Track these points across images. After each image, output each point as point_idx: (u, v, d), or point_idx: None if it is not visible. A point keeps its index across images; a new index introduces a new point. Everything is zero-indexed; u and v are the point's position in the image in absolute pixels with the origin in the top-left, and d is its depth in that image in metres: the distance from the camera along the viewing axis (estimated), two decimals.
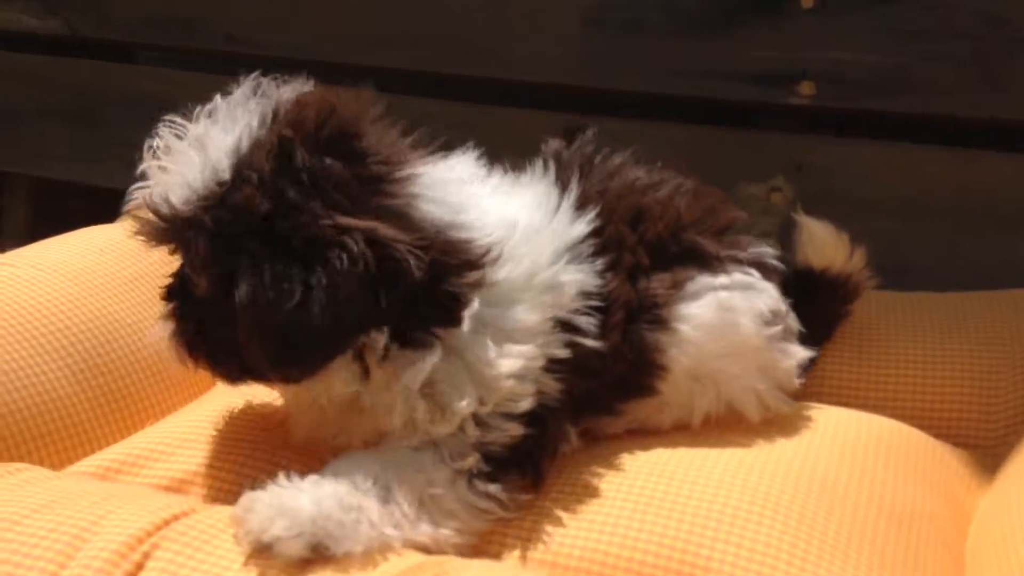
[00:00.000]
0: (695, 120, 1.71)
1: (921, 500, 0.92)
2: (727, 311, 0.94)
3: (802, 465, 0.91)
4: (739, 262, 0.98)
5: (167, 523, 0.75)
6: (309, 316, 0.76)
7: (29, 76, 2.10)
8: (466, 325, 0.82)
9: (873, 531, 0.85)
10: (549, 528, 0.84)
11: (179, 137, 0.85)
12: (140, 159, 0.87)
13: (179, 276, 0.89)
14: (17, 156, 2.14)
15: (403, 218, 0.80)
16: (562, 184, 0.95)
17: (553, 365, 0.86)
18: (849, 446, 0.96)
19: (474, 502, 0.82)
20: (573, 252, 0.91)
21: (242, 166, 0.79)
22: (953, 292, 1.32)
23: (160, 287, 0.92)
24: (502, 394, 0.83)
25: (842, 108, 1.62)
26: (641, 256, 0.94)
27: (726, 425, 0.96)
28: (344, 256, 0.76)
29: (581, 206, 0.93)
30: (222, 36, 1.96)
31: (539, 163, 0.98)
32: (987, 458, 1.10)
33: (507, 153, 1.75)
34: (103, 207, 2.28)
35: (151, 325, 1.13)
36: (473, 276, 0.82)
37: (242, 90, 0.85)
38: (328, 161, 0.79)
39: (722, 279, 0.95)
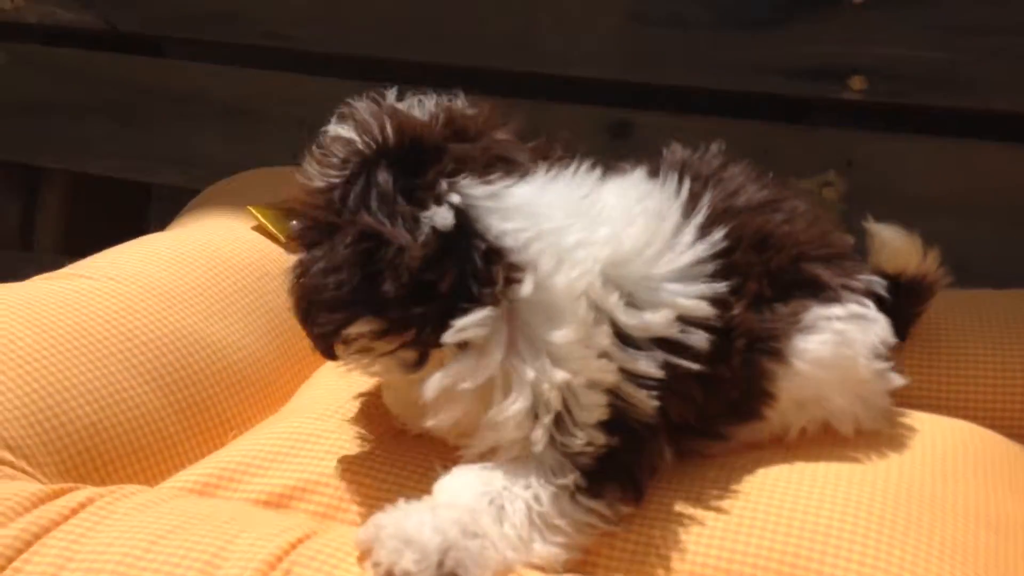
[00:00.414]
0: (745, 116, 1.71)
1: (1013, 508, 0.94)
2: (844, 346, 0.95)
3: (899, 476, 0.92)
4: (853, 291, 0.98)
5: (294, 547, 0.76)
6: (316, 285, 0.88)
7: (65, 70, 2.09)
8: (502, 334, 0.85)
9: (975, 543, 0.86)
10: (653, 544, 0.85)
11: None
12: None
13: None
14: (53, 150, 2.13)
15: (416, 224, 0.85)
16: (692, 199, 0.94)
17: (644, 381, 0.86)
18: (939, 454, 0.97)
19: (579, 517, 0.83)
20: (690, 273, 0.90)
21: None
22: (1013, 289, 1.33)
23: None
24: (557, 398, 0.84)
25: (893, 103, 1.62)
26: (765, 286, 0.94)
27: (818, 438, 0.97)
28: (343, 243, 0.86)
29: (709, 225, 0.92)
30: (260, 31, 1.95)
31: (666, 172, 0.97)
32: None
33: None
34: (140, 202, 2.31)
35: (225, 335, 1.16)
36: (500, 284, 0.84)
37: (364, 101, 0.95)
38: (379, 172, 0.87)
39: (838, 310, 0.95)
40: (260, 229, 1.39)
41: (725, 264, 0.91)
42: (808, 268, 0.97)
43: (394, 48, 1.88)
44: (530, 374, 0.84)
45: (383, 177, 0.87)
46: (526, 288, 0.85)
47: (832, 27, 1.62)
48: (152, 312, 1.12)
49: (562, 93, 1.81)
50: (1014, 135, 1.57)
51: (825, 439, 0.97)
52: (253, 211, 1.39)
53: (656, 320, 0.87)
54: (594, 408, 0.85)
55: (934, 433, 1.01)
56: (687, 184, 0.96)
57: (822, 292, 0.96)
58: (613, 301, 0.86)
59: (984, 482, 0.95)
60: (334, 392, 1.09)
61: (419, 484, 0.92)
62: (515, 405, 0.85)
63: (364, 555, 0.76)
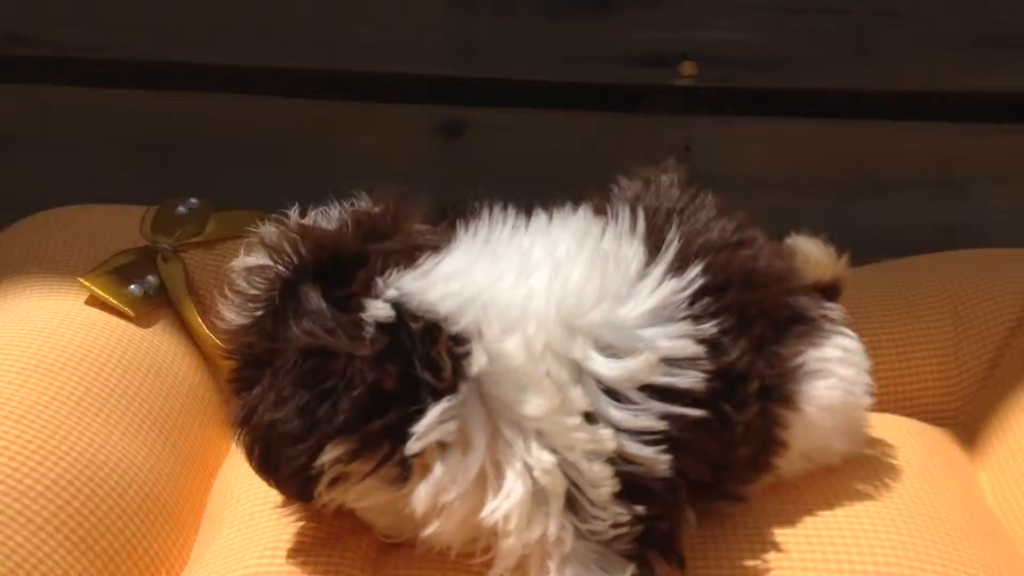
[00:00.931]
0: (580, 107, 1.67)
1: (984, 510, 0.99)
2: (849, 391, 0.93)
3: (915, 499, 0.93)
4: (834, 322, 0.96)
5: None
6: (269, 422, 0.80)
7: None
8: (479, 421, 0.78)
9: (996, 557, 0.90)
10: None
11: None
12: None
13: None
14: None
15: (357, 329, 0.78)
16: (655, 234, 0.89)
17: (647, 437, 0.79)
18: (928, 467, 1.00)
19: None
20: (665, 313, 0.83)
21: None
22: (872, 264, 1.41)
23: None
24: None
25: (724, 87, 1.64)
26: (766, 327, 0.90)
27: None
28: (284, 368, 0.79)
29: (682, 261, 0.87)
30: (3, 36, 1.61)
31: (616, 207, 0.91)
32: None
33: (388, 154, 1.64)
34: None
35: (118, 452, 0.95)
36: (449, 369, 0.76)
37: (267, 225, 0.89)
38: (305, 290, 0.81)
39: (832, 351, 0.93)
40: (95, 302, 1.16)
41: (715, 303, 0.87)
42: (795, 304, 0.95)
43: (181, 50, 1.63)
44: (518, 462, 0.77)
45: (310, 295, 0.80)
46: (479, 360, 0.76)
47: (660, 12, 1.60)
48: (30, 442, 0.89)
49: (384, 93, 1.67)
50: (838, 111, 1.65)
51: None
52: (86, 283, 1.15)
53: (638, 366, 0.79)
54: (603, 482, 0.77)
55: (903, 440, 1.04)
56: (642, 219, 0.90)
57: (813, 330, 0.94)
58: (584, 352, 0.79)
59: (964, 487, 0.99)
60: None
61: None
62: (509, 500, 0.76)
63: None
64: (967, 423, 1.21)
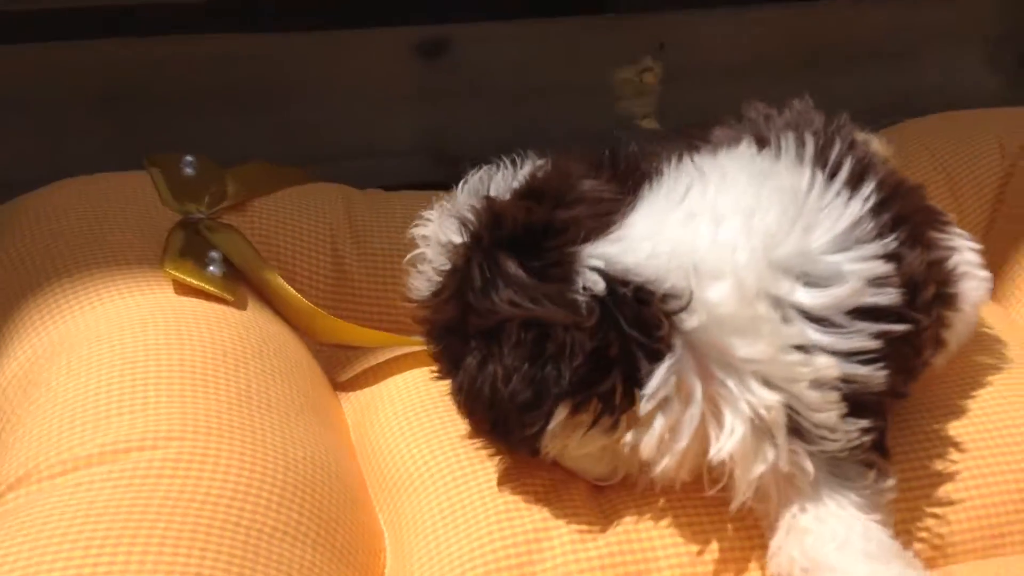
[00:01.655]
0: (554, 13, 1.66)
1: None
2: (988, 289, 1.03)
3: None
4: (953, 223, 1.03)
5: None
6: (501, 397, 0.82)
7: None
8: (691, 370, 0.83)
9: None
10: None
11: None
12: None
13: None
14: None
15: (566, 294, 0.82)
16: (821, 156, 0.92)
17: (864, 356, 0.85)
18: (1005, 326, 1.14)
19: (882, 502, 0.86)
20: (854, 235, 0.88)
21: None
22: None
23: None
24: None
25: None
26: (924, 232, 0.95)
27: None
28: (507, 343, 0.82)
29: (854, 181, 0.90)
30: None
31: (777, 136, 0.94)
32: None
33: (366, 83, 1.57)
34: None
35: (319, 446, 0.94)
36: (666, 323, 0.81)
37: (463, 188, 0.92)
38: (503, 261, 0.83)
39: (972, 255, 1.01)
40: (184, 290, 1.09)
41: (889, 218, 0.90)
42: (933, 208, 1.01)
43: None
44: (739, 402, 0.82)
45: (509, 265, 0.83)
46: (692, 315, 0.81)
47: None
48: (243, 455, 0.86)
49: (356, 15, 1.59)
50: None
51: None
52: (176, 274, 1.08)
53: (844, 292, 0.84)
54: (830, 406, 0.83)
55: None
56: (810, 144, 0.93)
57: (949, 234, 1.00)
58: (789, 287, 0.83)
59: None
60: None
61: None
62: (732, 438, 0.82)
63: None
64: None
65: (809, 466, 0.84)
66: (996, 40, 1.79)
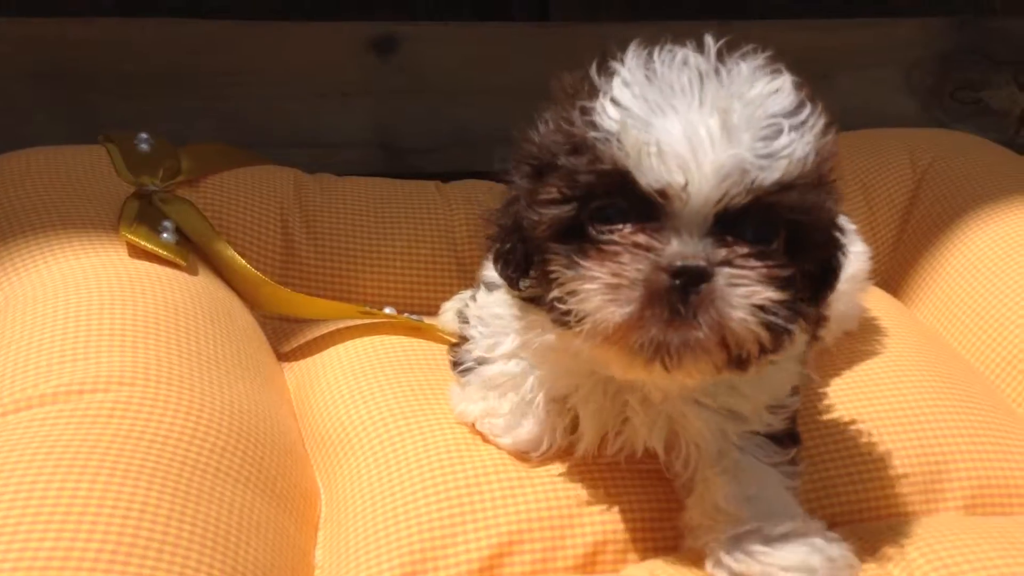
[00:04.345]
0: (501, 18, 1.73)
1: (938, 337, 1.26)
2: (861, 263, 1.16)
3: (906, 339, 1.19)
4: None
5: None
6: None
7: None
8: None
9: (965, 369, 1.16)
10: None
11: None
12: None
13: None
14: None
15: None
16: None
17: None
18: (901, 319, 1.24)
19: (795, 486, 0.91)
20: None
21: None
22: None
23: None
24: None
25: None
26: None
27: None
28: None
29: None
30: None
31: None
32: None
33: (316, 76, 1.62)
34: None
35: (255, 396, 0.98)
36: None
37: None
38: None
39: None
40: (139, 253, 1.13)
41: None
42: None
43: None
44: None
45: None
46: None
47: None
48: (191, 403, 0.91)
49: (312, 7, 1.64)
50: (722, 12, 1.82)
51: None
52: (131, 237, 1.12)
53: None
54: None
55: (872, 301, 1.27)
56: None
57: None
58: None
59: (916, 322, 1.26)
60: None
61: None
62: None
63: None
64: (887, 281, 1.47)
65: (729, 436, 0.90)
66: (912, 65, 1.91)
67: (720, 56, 0.82)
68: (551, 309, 0.79)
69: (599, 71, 0.81)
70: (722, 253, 0.75)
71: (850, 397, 1.08)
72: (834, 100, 1.89)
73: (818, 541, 0.83)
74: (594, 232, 0.77)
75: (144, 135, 1.34)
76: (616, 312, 0.75)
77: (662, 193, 0.75)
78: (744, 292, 0.75)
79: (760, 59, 0.83)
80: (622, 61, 0.81)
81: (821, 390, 1.09)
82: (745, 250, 0.76)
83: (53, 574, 0.71)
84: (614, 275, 0.75)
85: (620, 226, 0.76)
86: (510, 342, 0.94)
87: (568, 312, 0.77)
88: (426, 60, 1.68)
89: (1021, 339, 1.20)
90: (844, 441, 1.02)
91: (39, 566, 0.71)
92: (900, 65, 1.90)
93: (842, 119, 1.71)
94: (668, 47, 0.84)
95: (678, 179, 0.74)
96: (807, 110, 0.81)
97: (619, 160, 0.75)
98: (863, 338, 1.19)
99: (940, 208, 1.46)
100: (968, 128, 1.74)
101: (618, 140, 0.75)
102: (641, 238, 0.75)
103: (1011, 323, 1.23)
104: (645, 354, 0.76)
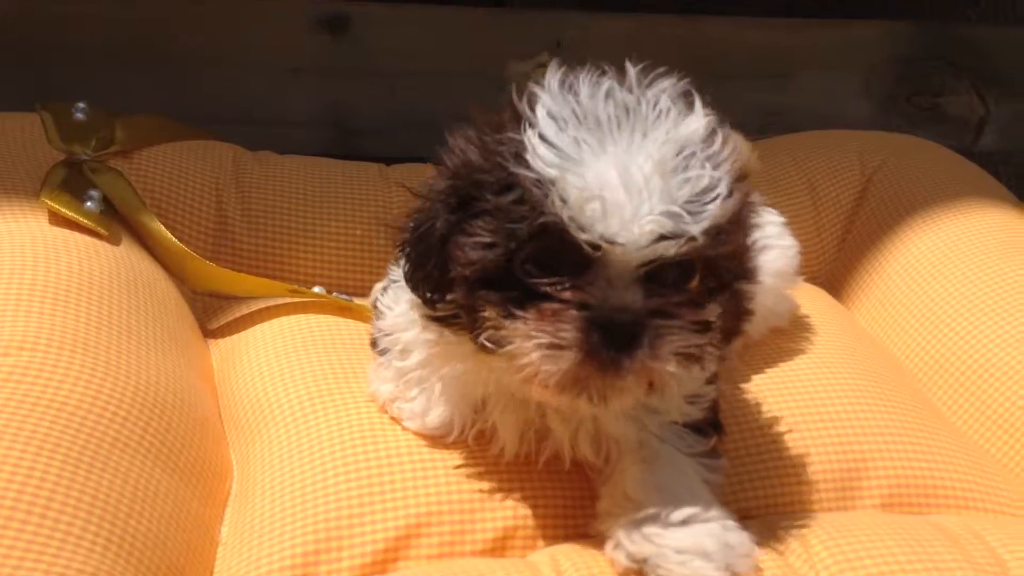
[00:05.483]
0: (457, 2, 1.72)
1: (871, 339, 1.26)
2: (788, 258, 1.16)
3: (836, 338, 1.18)
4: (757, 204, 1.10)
5: None
6: None
7: None
8: None
9: (886, 367, 1.15)
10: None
11: None
12: None
13: None
14: None
15: None
16: None
17: None
18: (835, 317, 1.23)
19: (715, 479, 0.90)
20: None
21: None
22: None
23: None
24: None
25: None
26: None
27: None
28: None
29: None
30: None
31: None
32: None
33: (266, 54, 1.60)
34: None
35: (166, 369, 0.96)
36: None
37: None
38: None
39: (773, 228, 1.15)
40: (60, 221, 1.11)
41: None
42: None
43: None
44: None
45: None
46: None
47: None
48: (94, 371, 0.89)
49: None
50: (688, 7, 1.82)
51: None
52: (51, 204, 1.10)
53: None
54: None
55: (806, 299, 1.26)
56: None
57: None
58: None
59: (851, 323, 1.28)
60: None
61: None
62: None
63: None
64: (831, 281, 1.47)
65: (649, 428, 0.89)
66: (871, 69, 1.91)
67: (640, 84, 0.83)
68: (475, 339, 0.80)
69: (520, 97, 0.79)
70: (653, 303, 0.76)
71: (774, 394, 1.07)
72: (793, 99, 1.91)
73: (716, 527, 0.82)
74: (526, 280, 0.76)
75: (81, 104, 1.32)
76: (554, 369, 0.76)
77: (597, 247, 0.74)
78: (672, 341, 0.76)
79: (676, 84, 0.84)
80: (543, 86, 0.80)
81: (744, 385, 1.08)
82: (675, 299, 0.77)
83: None
84: (552, 336, 0.75)
85: (553, 278, 0.76)
86: (419, 354, 0.93)
87: (498, 344, 0.77)
88: (380, 41, 1.67)
89: (953, 342, 1.20)
90: (762, 436, 1.01)
91: None
92: (861, 67, 1.90)
93: (799, 119, 1.75)
94: (587, 72, 0.84)
95: (618, 234, 0.73)
96: (719, 138, 0.80)
97: (555, 211, 0.74)
98: (794, 336, 1.18)
99: (885, 210, 1.46)
100: (926, 135, 1.74)
101: (553, 187, 0.74)
102: (577, 294, 0.75)
103: (944, 326, 1.22)
104: (574, 393, 0.78)
